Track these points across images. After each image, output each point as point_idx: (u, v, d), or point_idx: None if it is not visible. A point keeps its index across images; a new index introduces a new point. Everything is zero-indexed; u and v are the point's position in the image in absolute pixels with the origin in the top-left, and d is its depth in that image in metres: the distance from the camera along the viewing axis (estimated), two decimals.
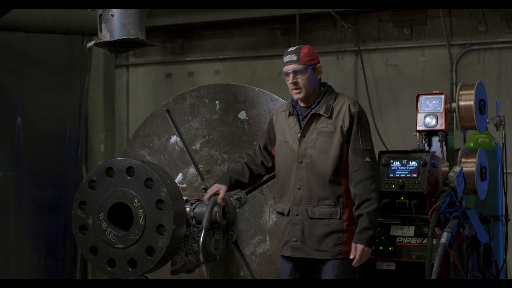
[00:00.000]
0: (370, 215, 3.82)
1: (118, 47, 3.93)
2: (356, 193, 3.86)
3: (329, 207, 3.91)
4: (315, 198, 3.93)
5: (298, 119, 4.03)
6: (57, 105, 7.23)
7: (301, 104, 4.04)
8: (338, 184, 3.92)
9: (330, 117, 3.94)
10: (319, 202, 3.92)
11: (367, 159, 3.89)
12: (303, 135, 3.97)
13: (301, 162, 3.96)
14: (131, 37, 3.76)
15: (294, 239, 3.97)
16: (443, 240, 3.86)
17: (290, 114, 4.06)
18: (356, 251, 3.83)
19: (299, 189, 3.96)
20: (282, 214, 4.08)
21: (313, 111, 3.97)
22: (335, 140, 3.91)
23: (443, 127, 4.60)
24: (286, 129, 4.06)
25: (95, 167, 4.22)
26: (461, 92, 4.79)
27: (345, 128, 3.91)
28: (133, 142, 4.95)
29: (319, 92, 4.02)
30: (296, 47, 4.00)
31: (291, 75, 3.94)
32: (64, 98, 7.34)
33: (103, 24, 3.80)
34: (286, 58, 3.97)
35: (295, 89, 3.96)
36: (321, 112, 3.96)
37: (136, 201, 3.84)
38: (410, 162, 4.24)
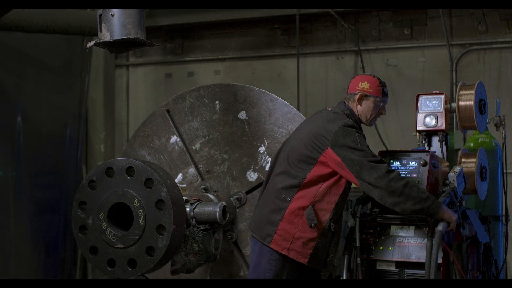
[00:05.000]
0: None
1: (118, 47, 3.93)
2: None
3: None
4: None
5: None
6: (57, 105, 7.23)
7: None
8: None
9: None
10: None
11: None
12: None
13: None
14: (131, 37, 3.76)
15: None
16: (439, 227, 3.82)
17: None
18: None
19: None
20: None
21: None
22: None
23: (443, 127, 4.59)
24: None
25: (95, 167, 4.21)
26: (461, 92, 4.78)
27: None
28: (133, 142, 4.95)
29: None
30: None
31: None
32: (64, 98, 7.33)
33: (103, 24, 3.80)
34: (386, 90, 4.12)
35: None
36: None
37: (136, 201, 3.83)
38: (410, 162, 4.23)
